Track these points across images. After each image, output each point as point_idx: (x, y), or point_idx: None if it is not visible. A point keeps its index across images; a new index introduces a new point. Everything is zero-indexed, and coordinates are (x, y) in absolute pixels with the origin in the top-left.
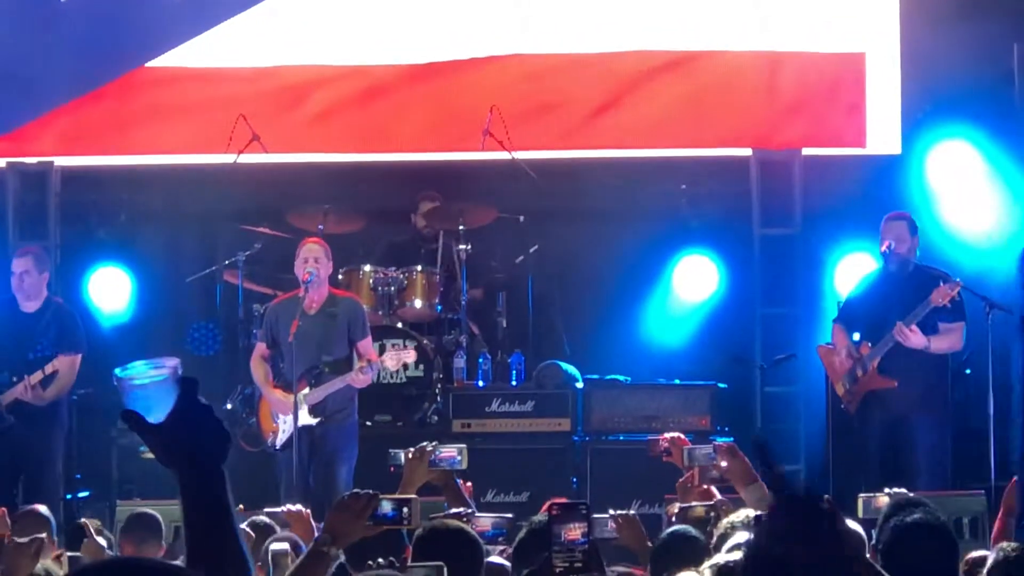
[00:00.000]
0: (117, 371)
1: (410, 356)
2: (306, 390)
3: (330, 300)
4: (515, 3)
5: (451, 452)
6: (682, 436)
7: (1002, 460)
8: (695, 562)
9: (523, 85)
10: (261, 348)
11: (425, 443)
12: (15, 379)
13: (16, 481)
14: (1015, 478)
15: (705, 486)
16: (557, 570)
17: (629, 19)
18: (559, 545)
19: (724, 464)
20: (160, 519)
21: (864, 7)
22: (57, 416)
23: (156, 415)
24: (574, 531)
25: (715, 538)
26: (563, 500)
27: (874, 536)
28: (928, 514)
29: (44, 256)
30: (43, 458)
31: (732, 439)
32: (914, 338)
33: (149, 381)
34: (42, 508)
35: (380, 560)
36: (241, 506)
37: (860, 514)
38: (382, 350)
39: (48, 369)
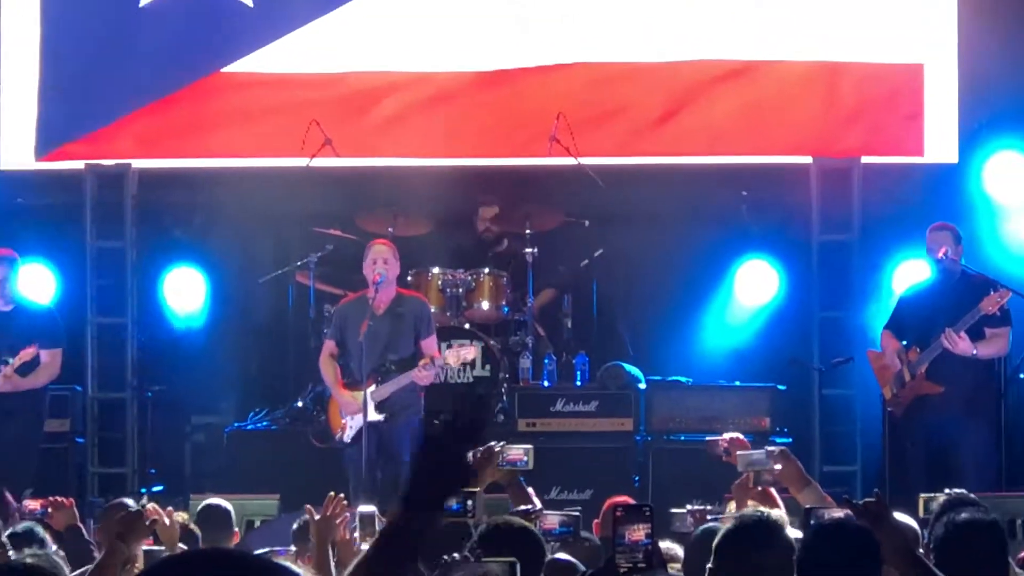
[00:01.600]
0: None
1: (470, 353)
2: (373, 387)
3: (397, 300)
4: (580, 13)
5: (519, 454)
6: (741, 437)
7: None
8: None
9: (588, 92)
10: (330, 346)
11: (493, 443)
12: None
13: None
14: None
15: (760, 488)
16: (621, 570)
17: (690, 28)
18: (623, 545)
19: (778, 467)
20: (231, 510)
21: (923, 18)
22: (34, 408)
23: None
24: (638, 532)
25: None
26: (627, 501)
27: (926, 535)
28: (979, 513)
29: (14, 259)
30: (19, 445)
31: (790, 440)
32: (962, 344)
33: None
34: (129, 500)
35: (455, 555)
36: (309, 506)
37: (920, 513)
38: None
39: (18, 359)
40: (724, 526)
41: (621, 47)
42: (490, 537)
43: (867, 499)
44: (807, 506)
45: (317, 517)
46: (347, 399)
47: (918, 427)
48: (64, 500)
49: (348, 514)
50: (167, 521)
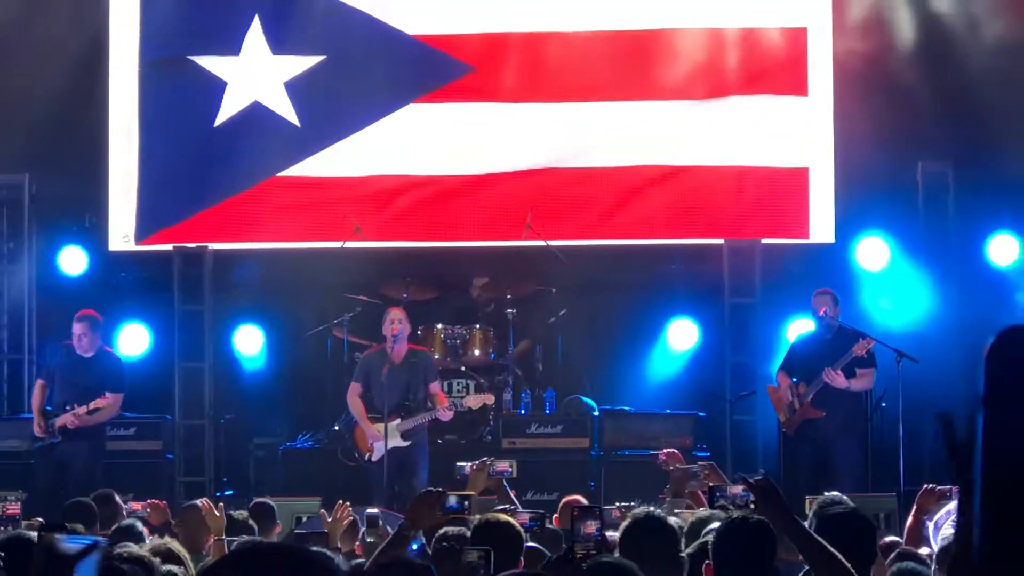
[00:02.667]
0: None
1: (489, 399)
2: (398, 420)
3: (410, 353)
4: (548, 130)
5: (505, 465)
6: (676, 452)
7: (909, 471)
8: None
9: (556, 191)
10: (356, 388)
11: (486, 458)
12: (67, 407)
13: (63, 486)
14: (927, 485)
15: (690, 492)
16: (578, 555)
17: (633, 140)
18: (579, 537)
19: (706, 475)
20: (275, 507)
21: (808, 131)
22: (98, 439)
23: None
24: (590, 527)
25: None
26: (580, 500)
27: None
28: (847, 508)
29: (96, 318)
30: (85, 470)
31: (708, 455)
32: (839, 380)
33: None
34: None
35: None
36: (323, 511)
37: (807, 511)
38: (449, 388)
39: (92, 406)
40: (623, 523)
41: (582, 154)
42: (482, 528)
43: (757, 478)
44: (711, 484)
45: (330, 519)
46: (373, 430)
47: (805, 444)
48: (159, 502)
49: (356, 516)
50: (216, 513)
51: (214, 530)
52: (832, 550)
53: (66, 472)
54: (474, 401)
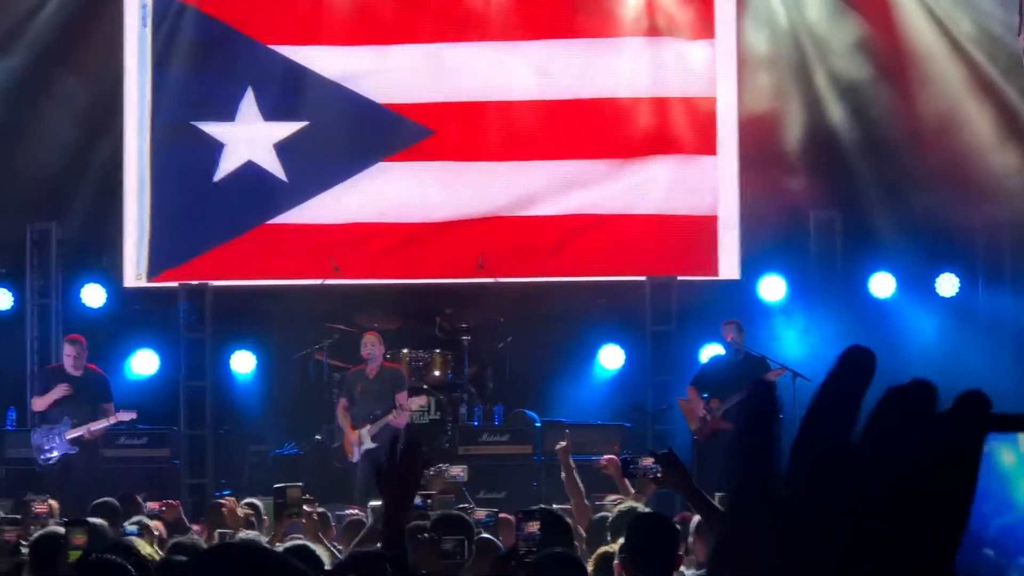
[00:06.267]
0: None
1: (422, 401)
2: (368, 427)
3: (382, 370)
4: (496, 183)
5: (459, 471)
6: (615, 458)
7: None
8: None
9: (503, 235)
10: (343, 403)
11: (441, 464)
12: (74, 422)
13: (68, 488)
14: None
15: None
16: (521, 551)
17: (568, 193)
18: (524, 536)
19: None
20: (260, 506)
21: (717, 185)
22: (96, 446)
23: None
24: (533, 526)
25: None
26: (529, 508)
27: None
28: None
29: (83, 342)
30: (87, 473)
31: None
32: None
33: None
34: (225, 500)
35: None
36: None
37: (717, 505)
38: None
39: (114, 419)
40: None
41: (527, 202)
42: (440, 522)
43: (663, 451)
44: (624, 456)
45: (306, 520)
46: (353, 437)
47: (714, 449)
48: (173, 502)
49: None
50: (239, 512)
51: (233, 526)
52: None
53: (68, 476)
54: (413, 404)
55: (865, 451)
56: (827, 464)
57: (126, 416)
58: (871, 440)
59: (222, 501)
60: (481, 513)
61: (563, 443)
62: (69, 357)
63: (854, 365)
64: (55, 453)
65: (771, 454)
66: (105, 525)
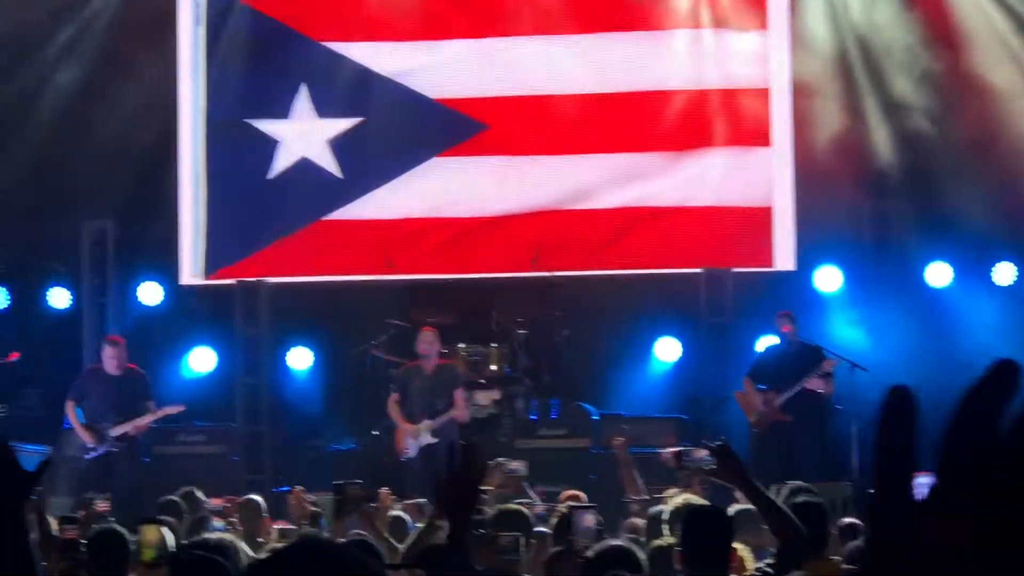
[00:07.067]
0: None
1: (495, 395)
2: (427, 421)
3: (439, 367)
4: (551, 177)
5: (518, 464)
6: (678, 450)
7: (861, 463)
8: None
9: (558, 229)
10: (395, 397)
11: (500, 459)
12: (118, 419)
13: (111, 487)
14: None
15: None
16: (577, 547)
17: (623, 186)
18: (579, 530)
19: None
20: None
21: (772, 173)
22: (138, 443)
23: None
24: (589, 520)
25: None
26: (577, 495)
27: None
28: (810, 495)
29: (123, 343)
30: (131, 469)
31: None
32: (818, 385)
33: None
34: (256, 496)
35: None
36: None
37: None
38: (472, 397)
39: (161, 413)
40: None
41: (581, 194)
42: (498, 518)
43: (716, 443)
44: (679, 448)
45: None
46: (409, 429)
47: (772, 440)
48: (236, 497)
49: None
50: (306, 504)
51: (299, 517)
52: (780, 504)
53: (111, 473)
54: (483, 398)
55: (1012, 451)
56: (975, 466)
57: (172, 410)
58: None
59: (254, 497)
60: (540, 507)
61: (620, 439)
62: (111, 359)
63: (1001, 375)
64: (99, 450)
65: (912, 457)
66: (176, 523)
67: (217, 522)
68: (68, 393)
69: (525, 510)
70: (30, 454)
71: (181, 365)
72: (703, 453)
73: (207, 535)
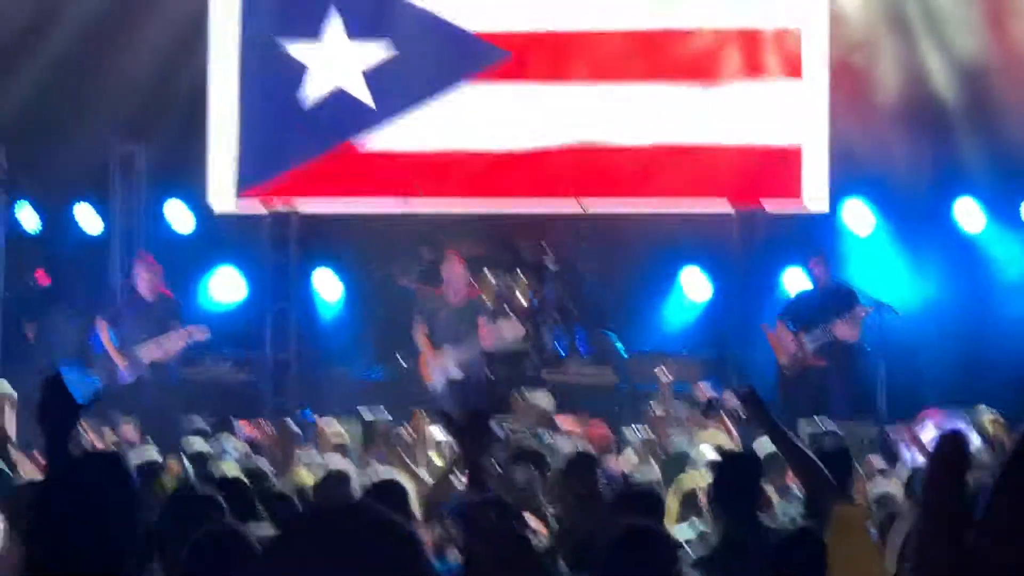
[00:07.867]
0: None
1: (519, 331)
2: (452, 350)
3: (466, 298)
4: (578, 109)
5: (544, 397)
6: (708, 397)
7: (889, 404)
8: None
9: (590, 163)
10: (423, 328)
11: (525, 390)
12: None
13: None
14: None
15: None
16: (603, 489)
17: (652, 122)
18: (606, 474)
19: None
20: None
21: (803, 111)
22: (171, 367)
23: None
24: (621, 463)
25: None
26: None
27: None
28: (836, 439)
29: (157, 266)
30: (163, 395)
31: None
32: (847, 331)
33: None
34: (289, 421)
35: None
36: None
37: (801, 435)
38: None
39: (185, 335)
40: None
41: (611, 132)
42: (515, 454)
43: (743, 388)
44: (708, 397)
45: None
46: (433, 358)
47: (804, 385)
48: (264, 422)
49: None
50: (329, 435)
51: (323, 445)
52: (804, 448)
53: (142, 396)
54: (510, 330)
55: None
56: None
57: (199, 333)
58: None
59: (287, 420)
60: (565, 442)
61: (667, 378)
62: (143, 280)
63: None
64: (131, 375)
65: (962, 502)
66: (207, 452)
67: (236, 446)
68: (101, 312)
69: (543, 447)
70: (79, 385)
71: (209, 291)
72: (734, 402)
73: (224, 465)
